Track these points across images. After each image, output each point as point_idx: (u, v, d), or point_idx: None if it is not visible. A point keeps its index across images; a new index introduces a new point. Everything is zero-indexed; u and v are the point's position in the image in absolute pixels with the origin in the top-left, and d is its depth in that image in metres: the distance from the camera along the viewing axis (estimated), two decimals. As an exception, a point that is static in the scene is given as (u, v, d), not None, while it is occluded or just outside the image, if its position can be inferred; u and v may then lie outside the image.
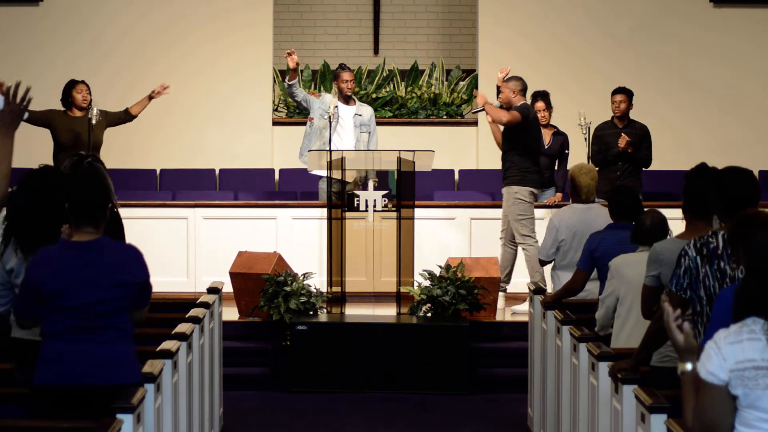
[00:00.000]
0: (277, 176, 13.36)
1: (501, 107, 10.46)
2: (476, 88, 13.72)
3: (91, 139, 10.83)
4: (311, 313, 9.63)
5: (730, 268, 5.03)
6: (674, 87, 13.46)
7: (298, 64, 11.08)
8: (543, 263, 8.55)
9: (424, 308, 9.69)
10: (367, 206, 10.14)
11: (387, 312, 10.05)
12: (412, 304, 9.79)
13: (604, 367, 5.75)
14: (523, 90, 10.52)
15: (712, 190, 5.31)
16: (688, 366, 3.64)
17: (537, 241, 10.12)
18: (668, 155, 13.05)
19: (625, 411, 5.28)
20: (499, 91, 11.26)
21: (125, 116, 11.28)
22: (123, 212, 10.96)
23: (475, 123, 13.71)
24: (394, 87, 14.16)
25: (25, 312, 4.95)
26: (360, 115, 11.23)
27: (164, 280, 10.95)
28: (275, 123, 13.64)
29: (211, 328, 7.58)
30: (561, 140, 11.38)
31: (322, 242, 10.82)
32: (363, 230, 10.30)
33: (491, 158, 13.44)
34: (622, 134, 11.13)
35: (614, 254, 6.78)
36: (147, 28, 13.47)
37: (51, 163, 10.84)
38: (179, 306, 7.67)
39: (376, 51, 14.62)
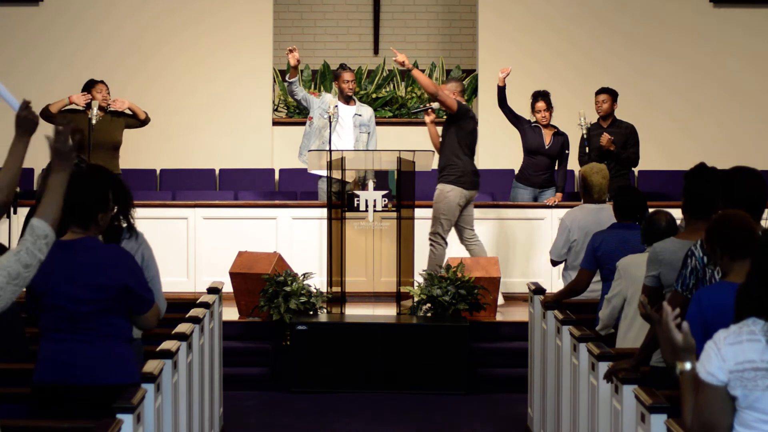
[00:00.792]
0: (277, 176, 13.36)
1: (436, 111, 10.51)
2: (476, 90, 13.74)
3: (93, 138, 10.86)
4: (311, 313, 9.63)
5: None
6: (674, 86, 13.46)
7: (299, 61, 11.07)
8: (555, 263, 8.50)
9: (424, 308, 9.69)
10: (367, 206, 10.14)
11: (387, 312, 10.05)
12: (412, 304, 9.80)
13: (604, 367, 5.75)
14: (462, 92, 10.57)
15: (714, 190, 5.31)
16: (687, 365, 3.64)
17: (445, 243, 10.29)
18: (663, 156, 13.06)
19: (625, 411, 5.28)
20: (499, 92, 11.27)
21: (140, 122, 11.36)
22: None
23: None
24: (394, 87, 14.16)
25: (28, 309, 4.99)
26: (360, 116, 11.22)
27: (164, 280, 10.90)
28: (275, 123, 13.65)
29: (211, 328, 7.58)
30: (561, 140, 11.38)
31: (322, 242, 10.81)
32: (363, 230, 10.30)
33: (491, 158, 13.45)
34: (604, 133, 11.16)
35: (616, 254, 6.78)
36: (148, 28, 13.47)
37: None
38: (179, 306, 7.67)
39: (376, 51, 14.62)
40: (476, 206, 11.49)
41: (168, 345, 5.97)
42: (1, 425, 4.44)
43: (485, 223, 11.29)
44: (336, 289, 10.08)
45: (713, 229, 4.52)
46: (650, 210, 7.01)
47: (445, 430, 8.34)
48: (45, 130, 11.74)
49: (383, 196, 10.13)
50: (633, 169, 11.65)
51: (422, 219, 10.74)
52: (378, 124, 12.30)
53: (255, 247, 10.50)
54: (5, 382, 5.34)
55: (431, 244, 10.36)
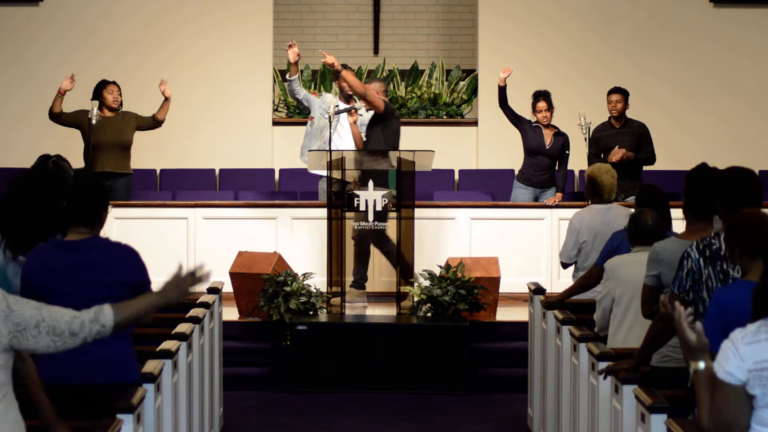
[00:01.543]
0: (277, 176, 13.36)
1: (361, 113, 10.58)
2: (476, 90, 13.74)
3: (101, 139, 10.92)
4: (311, 313, 9.63)
5: (733, 269, 5.03)
6: (674, 86, 13.46)
7: (299, 56, 11.07)
8: (565, 266, 8.44)
9: (424, 308, 9.69)
10: (367, 206, 10.14)
11: (387, 312, 10.05)
12: (412, 304, 9.79)
13: (604, 367, 5.75)
14: (386, 91, 10.62)
15: (715, 190, 5.31)
16: (701, 365, 3.63)
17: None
18: (666, 155, 13.05)
19: (625, 411, 5.28)
20: (500, 92, 11.26)
21: (153, 122, 11.43)
22: (123, 212, 11.03)
23: (475, 123, 13.71)
24: (394, 87, 14.16)
25: None
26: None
27: (164, 280, 10.94)
28: (275, 123, 13.64)
29: (211, 328, 7.58)
30: (562, 141, 11.38)
31: (322, 242, 10.81)
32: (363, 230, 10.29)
33: (491, 158, 13.45)
34: (616, 148, 11.12)
35: None
36: (148, 28, 13.47)
37: (82, 163, 10.95)
38: (179, 306, 7.66)
39: (376, 51, 14.62)
40: (476, 206, 11.51)
41: (168, 345, 5.97)
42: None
43: (485, 223, 11.30)
44: (336, 289, 10.08)
45: (732, 229, 4.50)
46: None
47: (445, 430, 8.34)
48: (46, 130, 11.60)
49: (383, 196, 10.12)
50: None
51: (422, 219, 10.74)
52: (378, 124, 12.30)
53: (255, 247, 10.50)
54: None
55: (356, 242, 10.36)
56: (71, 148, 11.16)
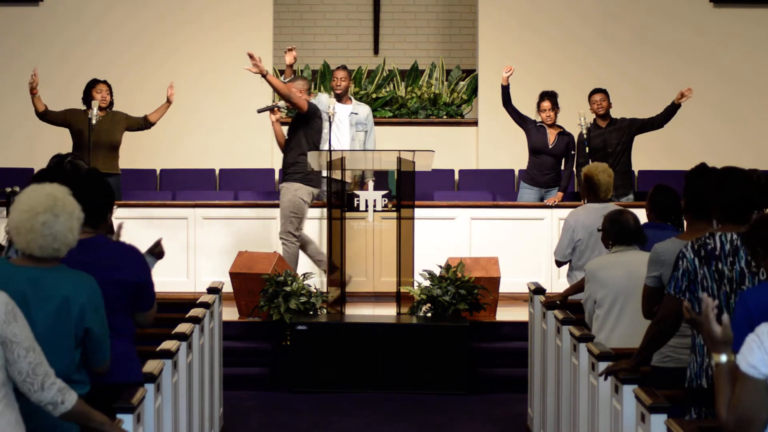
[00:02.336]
0: (277, 176, 13.35)
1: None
2: (476, 90, 13.74)
3: (92, 138, 10.86)
4: (311, 313, 9.63)
5: (728, 270, 5.02)
6: (674, 86, 13.46)
7: (295, 59, 11.10)
8: (559, 264, 8.45)
9: (424, 308, 9.69)
10: (367, 206, 10.14)
11: (387, 312, 10.05)
12: (412, 304, 9.79)
13: (604, 367, 5.75)
14: (309, 89, 10.64)
15: (710, 191, 5.30)
16: (723, 358, 3.63)
17: (297, 241, 10.34)
18: (662, 155, 13.06)
19: (625, 411, 5.28)
20: (504, 91, 11.27)
21: (144, 123, 11.38)
22: (123, 212, 11.02)
23: (475, 123, 13.70)
24: (394, 87, 14.16)
25: None
26: (356, 114, 11.23)
27: (164, 280, 10.95)
28: (275, 123, 13.64)
29: (211, 328, 7.58)
30: (566, 140, 11.38)
31: (322, 242, 10.81)
32: (363, 230, 10.30)
33: (491, 158, 13.46)
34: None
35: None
36: (148, 28, 13.47)
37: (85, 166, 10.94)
38: (179, 306, 7.68)
39: (376, 51, 14.62)
40: (476, 206, 11.51)
41: (168, 345, 5.97)
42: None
43: (485, 223, 11.30)
44: (336, 289, 10.08)
45: (754, 230, 4.48)
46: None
47: (445, 430, 8.34)
48: (43, 130, 11.61)
49: (383, 196, 10.13)
50: (634, 170, 11.64)
51: (422, 219, 10.74)
52: (378, 124, 12.30)
53: (255, 247, 10.50)
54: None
55: (284, 244, 10.40)
56: (69, 147, 11.17)
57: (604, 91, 11.45)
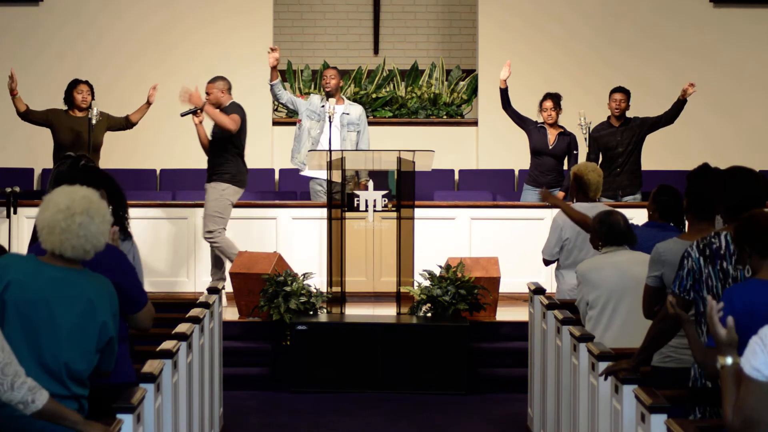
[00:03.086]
0: (277, 176, 13.36)
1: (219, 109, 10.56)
2: (476, 90, 13.74)
3: (91, 140, 10.84)
4: (311, 313, 9.63)
5: (733, 269, 5.03)
6: (674, 87, 13.46)
7: (278, 60, 11.12)
8: (547, 263, 8.48)
9: (424, 308, 9.69)
10: (367, 206, 10.14)
11: (387, 312, 10.05)
12: (412, 304, 9.79)
13: (604, 367, 5.75)
14: (230, 88, 10.64)
15: (717, 190, 5.30)
16: (728, 360, 3.63)
17: (221, 231, 10.41)
18: (667, 155, 13.06)
19: (625, 411, 5.27)
20: (502, 94, 11.27)
21: (125, 123, 11.31)
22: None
23: (475, 123, 13.71)
24: (394, 87, 14.16)
25: None
26: (348, 114, 11.23)
27: (164, 280, 10.97)
28: (275, 123, 13.64)
29: (211, 328, 7.58)
30: (567, 140, 11.38)
31: (322, 242, 10.81)
32: (363, 230, 10.30)
33: (491, 158, 13.46)
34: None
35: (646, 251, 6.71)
36: (147, 28, 13.47)
37: (51, 162, 10.91)
38: (179, 306, 7.67)
39: (376, 51, 14.62)
40: (476, 206, 11.51)
41: (168, 345, 5.97)
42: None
43: (485, 223, 11.30)
44: (336, 289, 10.08)
45: (742, 228, 4.51)
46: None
47: (445, 430, 8.34)
48: (44, 130, 11.56)
49: (383, 196, 10.13)
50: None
51: (422, 219, 10.74)
52: (378, 124, 12.31)
53: (255, 247, 10.49)
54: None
55: (211, 242, 10.41)
56: (48, 144, 11.13)
57: (625, 92, 11.41)
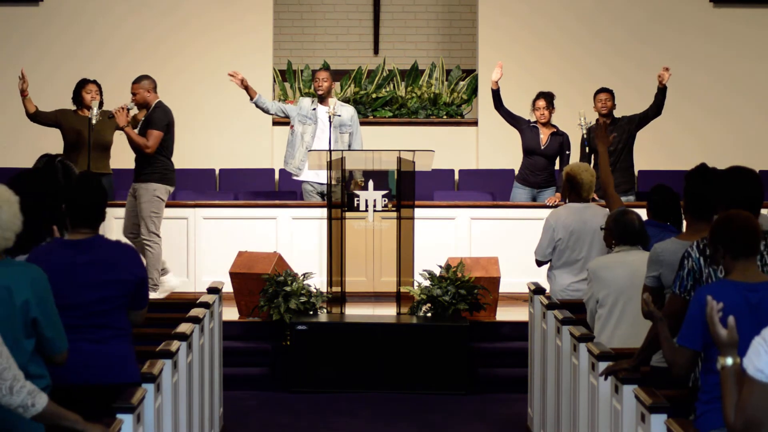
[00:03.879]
0: (277, 176, 13.36)
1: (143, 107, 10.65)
2: (476, 90, 13.75)
3: (92, 139, 10.85)
4: (311, 313, 9.63)
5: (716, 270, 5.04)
6: (674, 86, 13.46)
7: (244, 80, 11.20)
8: (540, 263, 8.48)
9: (424, 308, 9.69)
10: (367, 206, 10.14)
11: (387, 312, 10.05)
12: (412, 304, 9.79)
13: (604, 368, 5.75)
14: (156, 87, 10.68)
15: (715, 190, 5.31)
16: (729, 361, 3.64)
17: (160, 240, 10.42)
18: (663, 156, 13.06)
19: (625, 411, 5.28)
20: (494, 95, 11.29)
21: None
22: (123, 212, 11.02)
23: (475, 123, 13.71)
24: (394, 87, 14.16)
25: None
26: (339, 116, 11.22)
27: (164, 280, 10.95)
28: (275, 123, 13.64)
29: (211, 328, 7.58)
30: (560, 140, 11.39)
31: (322, 242, 10.81)
32: (363, 230, 10.30)
33: (491, 158, 13.46)
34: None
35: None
36: (147, 28, 13.47)
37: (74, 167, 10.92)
38: (179, 306, 7.68)
39: (376, 51, 14.62)
40: (476, 206, 11.51)
41: (168, 345, 5.97)
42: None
43: (485, 223, 11.30)
44: (336, 289, 10.08)
45: (716, 229, 4.54)
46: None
47: (445, 430, 8.34)
48: (44, 130, 11.55)
49: (383, 196, 10.13)
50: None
51: (422, 219, 10.74)
52: (378, 124, 12.31)
53: (255, 247, 10.49)
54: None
55: (148, 245, 10.40)
56: (58, 144, 11.16)
57: (609, 91, 11.44)
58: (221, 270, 10.33)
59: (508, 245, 11.11)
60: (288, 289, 9.55)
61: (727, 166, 5.38)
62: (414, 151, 10.23)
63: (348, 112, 11.40)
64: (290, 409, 8.82)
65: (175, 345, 6.05)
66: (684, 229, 6.08)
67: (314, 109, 11.25)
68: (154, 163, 10.46)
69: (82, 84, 11.29)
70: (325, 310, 9.81)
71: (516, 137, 11.57)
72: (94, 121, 10.85)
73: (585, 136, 11.27)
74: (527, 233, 11.16)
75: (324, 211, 10.70)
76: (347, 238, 10.19)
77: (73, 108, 11.23)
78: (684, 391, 5.07)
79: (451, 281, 9.63)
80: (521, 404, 8.64)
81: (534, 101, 11.42)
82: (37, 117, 11.19)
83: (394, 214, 10.17)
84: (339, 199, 10.28)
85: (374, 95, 14.01)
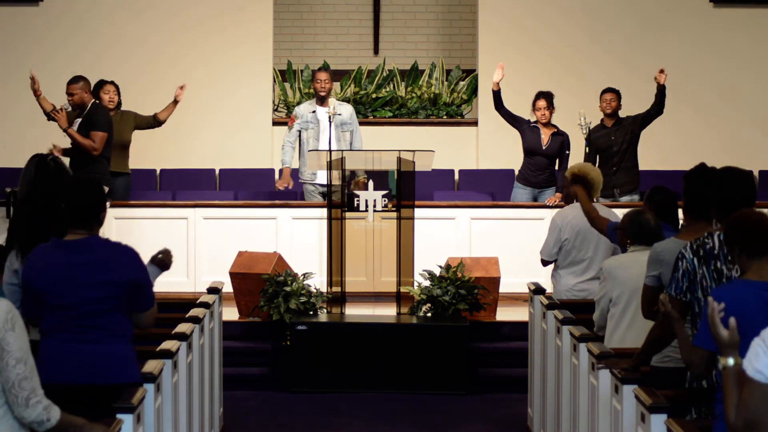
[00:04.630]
0: (277, 176, 13.35)
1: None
2: (476, 90, 13.74)
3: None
4: (311, 313, 9.63)
5: (727, 269, 5.03)
6: (674, 86, 13.46)
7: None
8: (545, 263, 8.47)
9: (424, 308, 9.69)
10: (367, 206, 10.14)
11: (387, 312, 10.05)
12: (412, 304, 9.79)
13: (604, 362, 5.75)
14: (90, 87, 10.74)
15: (713, 189, 5.31)
16: (730, 361, 3.64)
17: None
18: (669, 155, 13.06)
19: (625, 411, 5.28)
20: (495, 96, 11.29)
21: (154, 121, 11.50)
22: (123, 212, 11.05)
23: (475, 123, 13.71)
24: (394, 87, 14.16)
25: (25, 310, 4.97)
26: (339, 114, 11.22)
27: (164, 280, 10.91)
28: (275, 123, 13.64)
29: (211, 328, 7.58)
30: (560, 140, 11.39)
31: (322, 242, 10.81)
32: (363, 230, 10.30)
33: (491, 158, 13.46)
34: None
35: None
36: (147, 28, 13.47)
37: (67, 165, 10.94)
38: (179, 306, 7.68)
39: (376, 51, 14.62)
40: (476, 206, 11.51)
41: (168, 345, 5.97)
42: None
43: (485, 223, 11.30)
44: (336, 289, 10.08)
45: (731, 228, 4.51)
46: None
47: (445, 430, 8.34)
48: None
49: (383, 196, 10.13)
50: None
51: (422, 219, 10.74)
52: (378, 124, 12.31)
53: (255, 247, 10.49)
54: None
55: None
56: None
57: (615, 92, 11.45)
58: (221, 270, 10.32)
59: (508, 245, 11.11)
60: (288, 289, 9.55)
61: (736, 164, 5.37)
62: (414, 151, 10.23)
63: (347, 110, 11.41)
64: (290, 409, 8.82)
65: (175, 345, 6.05)
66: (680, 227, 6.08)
67: (313, 111, 11.25)
68: (95, 164, 10.49)
69: (100, 85, 11.37)
70: (325, 310, 9.81)
71: (516, 137, 11.57)
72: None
73: (585, 136, 11.28)
74: (527, 233, 11.18)
75: (324, 211, 10.71)
76: (347, 238, 10.19)
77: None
78: (684, 392, 5.07)
79: (451, 281, 9.63)
80: (521, 404, 8.64)
81: (534, 101, 11.42)
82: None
83: (394, 214, 10.17)
84: (339, 199, 10.28)
85: (374, 95, 14.01)
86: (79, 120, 10.67)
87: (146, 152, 12.91)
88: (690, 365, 4.59)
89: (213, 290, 8.04)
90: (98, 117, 10.58)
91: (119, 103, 11.44)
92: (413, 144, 11.58)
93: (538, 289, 8.10)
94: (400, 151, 10.27)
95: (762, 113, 13.63)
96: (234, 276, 9.99)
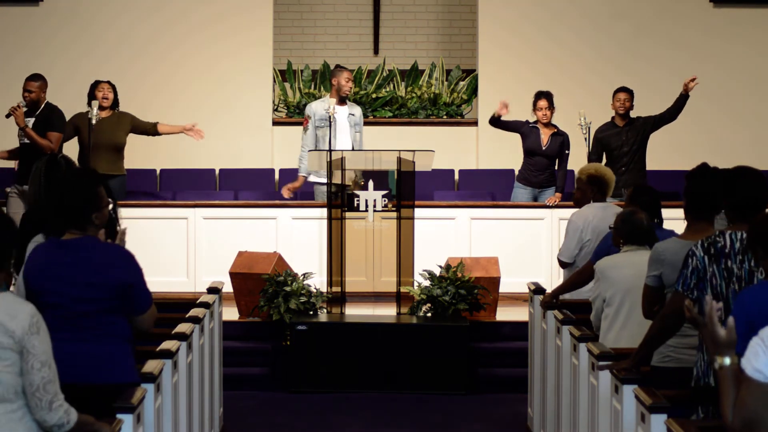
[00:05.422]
0: (277, 176, 13.36)
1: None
2: (476, 90, 13.75)
3: (95, 139, 10.88)
4: (311, 313, 9.63)
5: (737, 268, 5.03)
6: (674, 87, 13.45)
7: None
8: (564, 265, 8.30)
9: (424, 308, 9.69)
10: (367, 206, 10.14)
11: (387, 312, 10.05)
12: (412, 304, 9.79)
13: (604, 363, 5.75)
14: (47, 87, 10.71)
15: (719, 190, 5.30)
16: (726, 360, 3.63)
17: None
18: (667, 155, 13.05)
19: (625, 411, 5.28)
20: (494, 120, 11.29)
21: (152, 130, 11.45)
22: (123, 212, 11.01)
23: (475, 123, 13.71)
24: (394, 87, 14.15)
25: None
26: (353, 115, 11.23)
27: (164, 280, 10.95)
28: (275, 123, 13.64)
29: (211, 328, 7.58)
30: (560, 140, 11.40)
31: (322, 242, 10.81)
32: (363, 230, 10.30)
33: (491, 158, 13.45)
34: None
35: None
36: (147, 28, 13.46)
37: (77, 164, 10.94)
38: (179, 306, 7.67)
39: (376, 51, 14.62)
40: (476, 206, 11.51)
41: (168, 345, 5.97)
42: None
43: (485, 223, 11.30)
44: (336, 289, 10.08)
45: (756, 230, 4.48)
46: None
47: (445, 430, 8.34)
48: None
49: (383, 196, 10.13)
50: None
51: (422, 219, 10.74)
52: (378, 124, 12.30)
53: (255, 247, 10.49)
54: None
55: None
56: (72, 147, 11.19)
57: (629, 91, 11.46)
58: (221, 270, 10.32)
59: (508, 245, 11.11)
60: (288, 289, 9.55)
61: (734, 163, 5.37)
62: (414, 151, 10.23)
63: (359, 111, 11.42)
64: (290, 409, 8.83)
65: (175, 345, 6.05)
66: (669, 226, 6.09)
67: (328, 109, 10.95)
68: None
69: (95, 84, 11.37)
70: (325, 310, 9.81)
71: (516, 137, 11.57)
72: (93, 121, 10.86)
73: (586, 135, 11.27)
74: (527, 233, 11.19)
75: (324, 211, 10.70)
76: (347, 238, 10.19)
77: (87, 110, 11.23)
78: (684, 391, 5.07)
79: (451, 281, 9.63)
80: (521, 404, 8.64)
81: (535, 101, 11.41)
82: (67, 137, 11.16)
83: (394, 214, 10.17)
84: (339, 199, 10.28)
85: (374, 95, 14.00)
86: (32, 120, 10.60)
87: (146, 152, 12.91)
88: (724, 416, 4.45)
89: (213, 290, 8.04)
90: (55, 118, 10.55)
91: (116, 103, 11.40)
92: (413, 144, 11.58)
93: (538, 289, 8.10)
94: (400, 151, 10.27)
95: (762, 113, 13.63)
96: (234, 276, 9.99)
